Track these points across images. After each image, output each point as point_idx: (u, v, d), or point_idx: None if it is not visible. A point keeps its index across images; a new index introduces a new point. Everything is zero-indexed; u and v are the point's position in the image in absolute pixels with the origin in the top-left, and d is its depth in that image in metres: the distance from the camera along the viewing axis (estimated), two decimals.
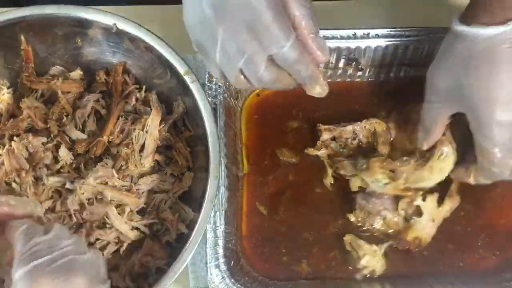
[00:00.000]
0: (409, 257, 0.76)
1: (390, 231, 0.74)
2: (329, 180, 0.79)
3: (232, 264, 0.71)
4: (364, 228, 0.75)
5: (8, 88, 0.75)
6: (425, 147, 0.69)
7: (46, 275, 0.47)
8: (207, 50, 0.56)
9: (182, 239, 0.70)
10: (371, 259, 0.71)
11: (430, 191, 0.72)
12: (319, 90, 0.57)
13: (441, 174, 0.69)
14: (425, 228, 0.71)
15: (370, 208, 0.73)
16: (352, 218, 0.74)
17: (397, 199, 0.73)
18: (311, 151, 0.79)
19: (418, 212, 0.72)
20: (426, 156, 0.69)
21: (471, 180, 0.68)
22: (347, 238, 0.73)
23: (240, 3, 0.51)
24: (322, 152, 0.79)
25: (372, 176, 0.71)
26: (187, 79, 0.70)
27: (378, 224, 0.74)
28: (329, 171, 0.79)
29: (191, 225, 0.69)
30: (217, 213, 0.71)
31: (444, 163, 0.68)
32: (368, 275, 0.73)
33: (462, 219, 0.78)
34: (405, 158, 0.70)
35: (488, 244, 0.77)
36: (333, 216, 0.78)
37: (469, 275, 0.75)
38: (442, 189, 0.74)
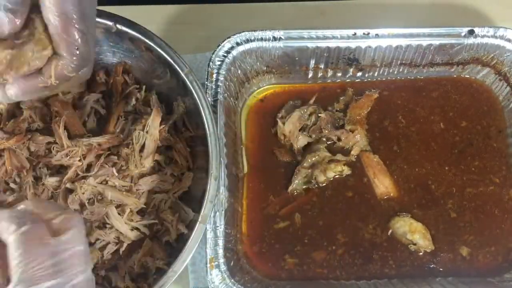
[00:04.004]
0: (410, 257, 0.76)
1: None
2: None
3: (232, 264, 0.71)
4: None
5: None
6: None
7: None
8: None
9: (182, 239, 0.70)
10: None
11: None
12: None
13: None
14: None
15: None
16: None
17: None
18: None
19: None
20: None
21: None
22: None
23: None
24: None
25: None
26: (187, 79, 0.70)
27: None
28: None
29: (191, 225, 0.69)
30: (217, 213, 0.71)
31: None
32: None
33: (464, 220, 0.79)
34: None
35: (489, 245, 0.77)
36: (336, 216, 0.79)
37: (469, 275, 0.75)
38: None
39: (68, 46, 0.52)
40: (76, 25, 0.52)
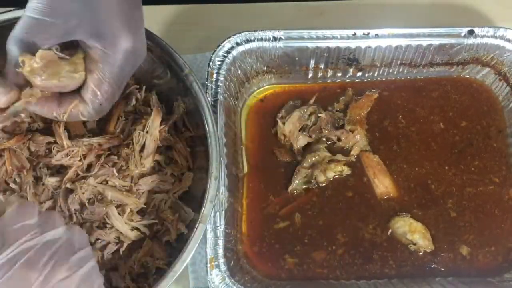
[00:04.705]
0: (410, 257, 0.76)
1: None
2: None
3: (232, 264, 0.71)
4: None
5: None
6: None
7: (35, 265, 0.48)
8: None
9: (182, 239, 0.70)
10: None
11: None
12: None
13: None
14: None
15: None
16: None
17: None
18: None
19: None
20: None
21: None
22: None
23: None
24: None
25: None
26: (187, 79, 0.70)
27: None
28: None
29: (191, 225, 0.69)
30: (217, 213, 0.71)
31: None
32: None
33: (464, 220, 0.79)
34: None
35: (489, 245, 0.77)
36: (336, 216, 0.79)
37: (469, 275, 0.75)
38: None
39: (93, 98, 0.56)
40: (109, 86, 0.56)
